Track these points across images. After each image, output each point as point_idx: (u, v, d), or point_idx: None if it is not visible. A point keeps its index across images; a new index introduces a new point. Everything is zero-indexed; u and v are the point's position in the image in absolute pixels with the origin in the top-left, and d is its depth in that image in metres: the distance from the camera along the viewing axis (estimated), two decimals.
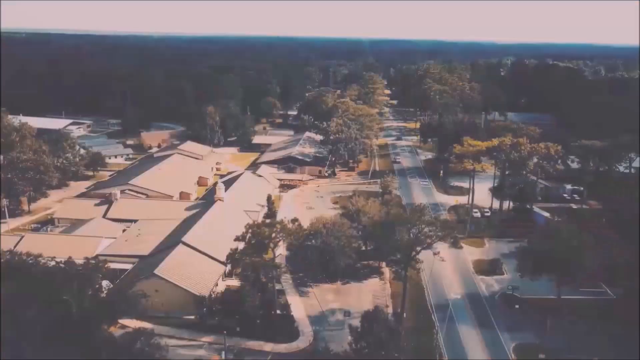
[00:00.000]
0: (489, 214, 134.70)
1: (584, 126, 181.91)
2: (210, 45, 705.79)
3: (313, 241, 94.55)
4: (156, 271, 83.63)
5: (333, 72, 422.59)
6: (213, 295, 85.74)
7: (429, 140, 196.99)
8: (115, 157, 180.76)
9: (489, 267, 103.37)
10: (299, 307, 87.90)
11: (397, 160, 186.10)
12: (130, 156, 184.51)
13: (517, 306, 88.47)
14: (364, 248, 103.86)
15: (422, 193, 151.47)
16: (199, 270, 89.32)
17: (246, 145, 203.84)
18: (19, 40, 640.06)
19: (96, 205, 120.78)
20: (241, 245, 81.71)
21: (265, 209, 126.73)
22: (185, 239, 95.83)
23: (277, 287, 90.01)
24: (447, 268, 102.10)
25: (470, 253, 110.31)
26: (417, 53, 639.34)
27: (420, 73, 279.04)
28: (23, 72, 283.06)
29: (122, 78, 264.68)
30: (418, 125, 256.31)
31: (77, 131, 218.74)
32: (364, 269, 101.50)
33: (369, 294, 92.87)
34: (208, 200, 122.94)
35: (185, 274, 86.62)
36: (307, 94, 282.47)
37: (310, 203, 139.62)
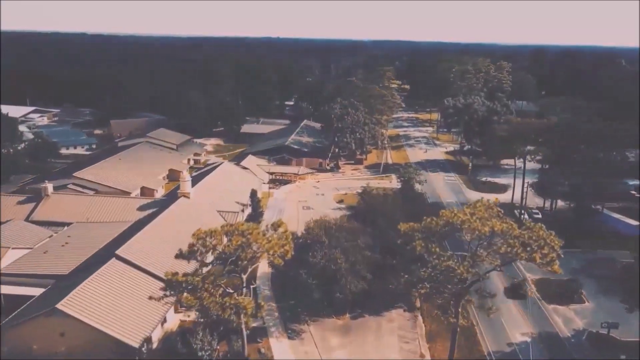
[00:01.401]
0: (539, 215, 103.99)
1: (620, 117, 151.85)
2: (208, 43, 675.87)
3: (310, 254, 64.23)
4: (61, 304, 53.07)
5: (335, 65, 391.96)
6: (154, 340, 55.40)
7: (452, 130, 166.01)
8: (75, 147, 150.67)
9: (561, 292, 72.54)
10: (288, 356, 57.33)
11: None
12: (93, 146, 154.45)
13: (623, 357, 57.72)
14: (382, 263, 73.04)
15: (449, 190, 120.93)
16: (136, 300, 58.77)
17: (234, 135, 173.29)
18: (10, 39, 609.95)
19: (20, 203, 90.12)
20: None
21: (249, 209, 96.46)
22: (122, 251, 65.32)
23: (256, 323, 59.63)
24: (501, 293, 71.35)
25: (530, 269, 79.56)
26: (422, 51, 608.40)
27: (434, 61, 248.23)
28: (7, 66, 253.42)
29: (112, 70, 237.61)
30: (432, 116, 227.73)
31: (39, 120, 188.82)
32: (384, 294, 70.57)
33: (392, 334, 62.06)
34: (171, 197, 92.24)
35: (112, 307, 56.13)
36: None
37: (308, 202, 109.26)
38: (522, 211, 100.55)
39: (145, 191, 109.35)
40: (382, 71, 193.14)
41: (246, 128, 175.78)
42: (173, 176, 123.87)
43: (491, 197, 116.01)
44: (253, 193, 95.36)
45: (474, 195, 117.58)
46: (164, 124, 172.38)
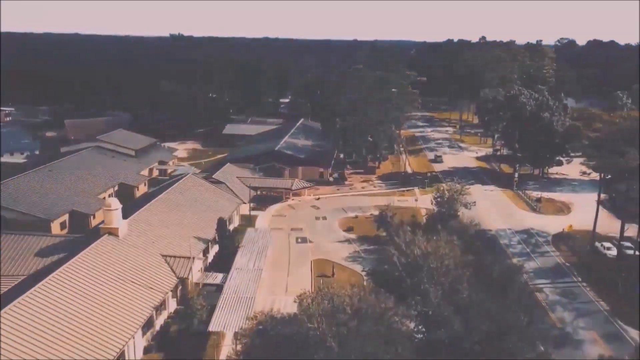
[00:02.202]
0: (633, 252, 72.88)
1: None
2: (206, 42, 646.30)
3: None
4: None
5: (337, 63, 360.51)
6: None
7: (488, 130, 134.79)
8: (12, 154, 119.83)
9: None
10: None
11: None
12: (36, 152, 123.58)
13: None
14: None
15: (495, 210, 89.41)
16: None
17: (216, 137, 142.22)
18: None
19: None
20: None
21: (215, 248, 65.40)
22: None
23: None
24: None
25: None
26: (429, 47, 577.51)
27: (451, 53, 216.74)
28: None
29: (86, 67, 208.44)
30: (451, 114, 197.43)
31: None
32: None
33: None
34: (90, 235, 60.68)
35: None
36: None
37: (305, 230, 78.04)
38: (621, 244, 69.01)
39: (78, 217, 78.24)
40: (391, 63, 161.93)
41: (230, 128, 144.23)
42: (125, 193, 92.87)
43: (557, 221, 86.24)
44: (221, 224, 64.09)
45: (531, 219, 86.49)
46: (130, 124, 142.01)
